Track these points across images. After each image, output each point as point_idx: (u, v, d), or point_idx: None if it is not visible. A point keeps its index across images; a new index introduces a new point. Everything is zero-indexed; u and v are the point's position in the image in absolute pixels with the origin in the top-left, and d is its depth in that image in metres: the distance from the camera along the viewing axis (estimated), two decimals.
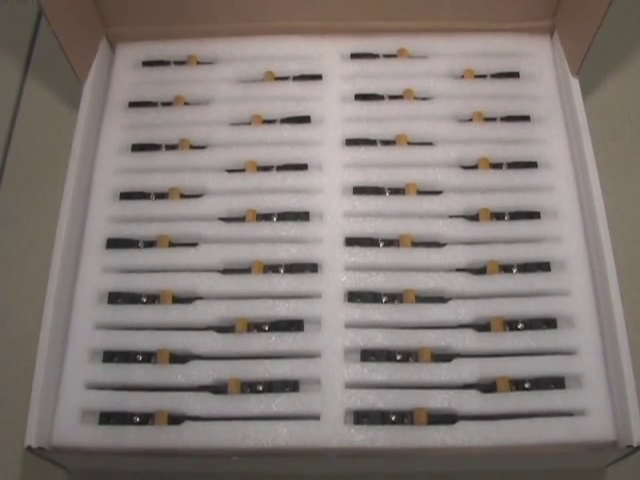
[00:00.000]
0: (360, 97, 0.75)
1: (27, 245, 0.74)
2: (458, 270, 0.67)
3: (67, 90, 0.81)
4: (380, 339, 0.64)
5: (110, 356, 0.64)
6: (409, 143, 0.73)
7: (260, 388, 0.62)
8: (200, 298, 0.66)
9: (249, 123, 0.74)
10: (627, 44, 0.83)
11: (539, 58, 0.77)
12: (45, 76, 0.84)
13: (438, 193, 0.70)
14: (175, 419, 0.61)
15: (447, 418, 0.60)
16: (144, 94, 0.77)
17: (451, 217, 0.69)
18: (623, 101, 0.80)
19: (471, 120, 0.74)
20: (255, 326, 0.65)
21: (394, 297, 0.66)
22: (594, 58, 0.80)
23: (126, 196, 0.71)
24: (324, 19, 0.77)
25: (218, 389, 0.62)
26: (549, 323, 0.64)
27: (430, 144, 0.73)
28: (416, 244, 0.68)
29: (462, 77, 0.76)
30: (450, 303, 0.65)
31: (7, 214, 0.76)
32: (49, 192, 0.74)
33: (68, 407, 0.61)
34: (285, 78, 0.77)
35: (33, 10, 0.87)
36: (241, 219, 0.69)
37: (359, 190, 0.70)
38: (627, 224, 0.73)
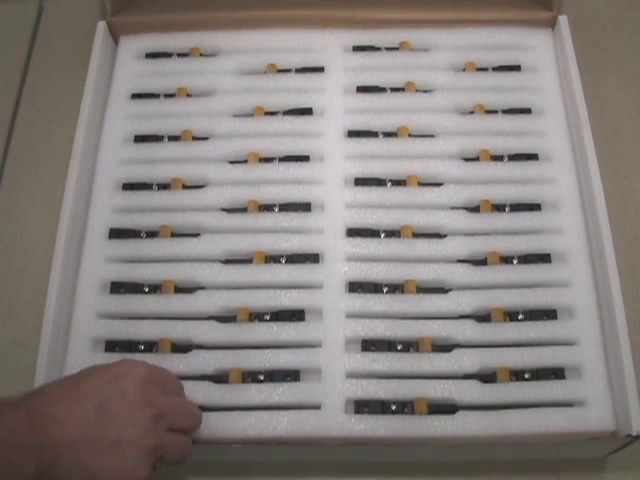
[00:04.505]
0: (362, 89, 0.76)
1: (29, 238, 0.74)
2: (459, 261, 0.67)
3: (67, 86, 0.80)
4: (381, 329, 0.64)
5: (112, 345, 0.64)
6: (410, 135, 0.73)
7: (261, 378, 0.62)
8: (202, 288, 0.66)
9: (251, 115, 0.75)
10: (629, 42, 0.83)
11: (540, 51, 0.77)
12: (45, 73, 0.84)
13: (439, 185, 0.70)
14: None
15: (447, 408, 0.61)
16: (147, 85, 0.77)
17: (452, 208, 0.69)
18: (624, 98, 0.80)
19: (472, 112, 0.74)
20: (257, 316, 0.65)
21: (395, 288, 0.66)
22: (596, 56, 0.81)
23: (129, 187, 0.71)
24: (326, 8, 0.77)
25: (219, 378, 0.63)
26: (549, 314, 0.65)
27: (431, 136, 0.73)
28: (417, 235, 0.68)
29: (464, 70, 0.77)
30: (451, 294, 0.65)
31: (9, 207, 0.76)
32: (52, 185, 0.74)
33: None
34: (287, 70, 0.78)
35: (33, 9, 0.88)
36: (243, 210, 0.70)
37: (360, 181, 0.71)
38: (628, 222, 0.72)
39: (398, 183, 0.71)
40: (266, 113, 0.75)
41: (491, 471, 0.63)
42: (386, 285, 0.66)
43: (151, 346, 0.64)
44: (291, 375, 0.62)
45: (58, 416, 0.49)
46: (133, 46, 0.79)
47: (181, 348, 0.64)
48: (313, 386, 0.62)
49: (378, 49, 0.78)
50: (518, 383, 0.62)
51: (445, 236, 0.68)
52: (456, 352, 0.63)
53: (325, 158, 0.72)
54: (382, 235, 0.68)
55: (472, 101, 0.74)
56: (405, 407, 0.61)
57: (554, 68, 0.76)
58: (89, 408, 0.50)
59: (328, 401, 0.61)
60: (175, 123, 0.74)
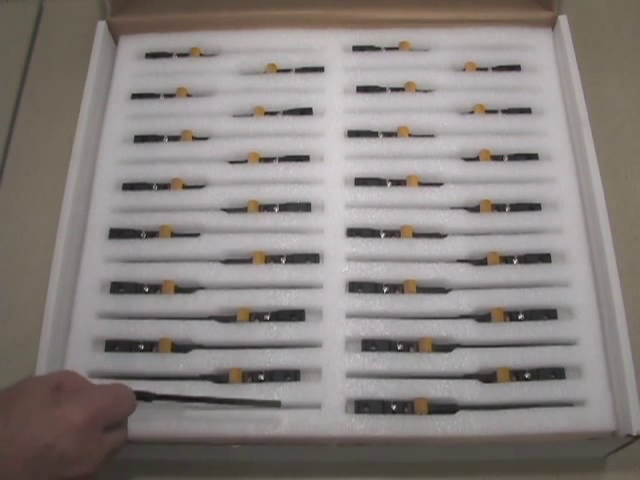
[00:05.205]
0: (362, 89, 0.76)
1: (29, 238, 0.74)
2: (459, 261, 0.67)
3: (67, 86, 0.80)
4: (381, 329, 0.64)
5: (112, 345, 0.64)
6: (410, 135, 0.73)
7: (261, 377, 0.62)
8: (202, 288, 0.66)
9: (251, 115, 0.75)
10: (629, 42, 0.83)
11: (540, 51, 0.77)
12: (45, 73, 0.84)
13: (439, 184, 0.70)
14: None
15: (447, 408, 0.61)
16: (147, 86, 0.77)
17: (452, 208, 0.69)
18: (624, 98, 0.80)
19: (472, 112, 0.74)
20: (257, 316, 0.65)
21: (395, 287, 0.66)
22: (596, 56, 0.80)
23: (129, 187, 0.71)
24: (326, 8, 0.77)
25: (220, 378, 0.62)
26: (549, 314, 0.65)
27: (431, 136, 0.73)
28: (417, 235, 0.68)
29: (464, 70, 0.77)
30: (451, 294, 0.65)
31: (9, 207, 0.76)
32: (52, 185, 0.74)
33: None
34: (287, 70, 0.78)
35: (33, 9, 0.88)
36: (243, 210, 0.70)
37: (360, 181, 0.71)
38: (628, 222, 0.72)
39: (398, 183, 0.71)
40: (266, 113, 0.75)
41: (491, 471, 0.63)
42: (386, 285, 0.66)
43: (151, 346, 0.64)
44: (291, 375, 0.62)
45: None
46: (133, 46, 0.79)
47: (181, 348, 0.64)
48: (313, 386, 0.62)
49: (378, 49, 0.78)
50: (518, 383, 0.62)
51: (445, 236, 0.68)
52: (456, 352, 0.63)
53: (325, 158, 0.72)
54: (382, 235, 0.68)
55: (472, 101, 0.74)
56: (405, 407, 0.61)
57: (554, 68, 0.76)
58: (20, 472, 0.45)
59: (328, 401, 0.61)
60: (175, 123, 0.74)
